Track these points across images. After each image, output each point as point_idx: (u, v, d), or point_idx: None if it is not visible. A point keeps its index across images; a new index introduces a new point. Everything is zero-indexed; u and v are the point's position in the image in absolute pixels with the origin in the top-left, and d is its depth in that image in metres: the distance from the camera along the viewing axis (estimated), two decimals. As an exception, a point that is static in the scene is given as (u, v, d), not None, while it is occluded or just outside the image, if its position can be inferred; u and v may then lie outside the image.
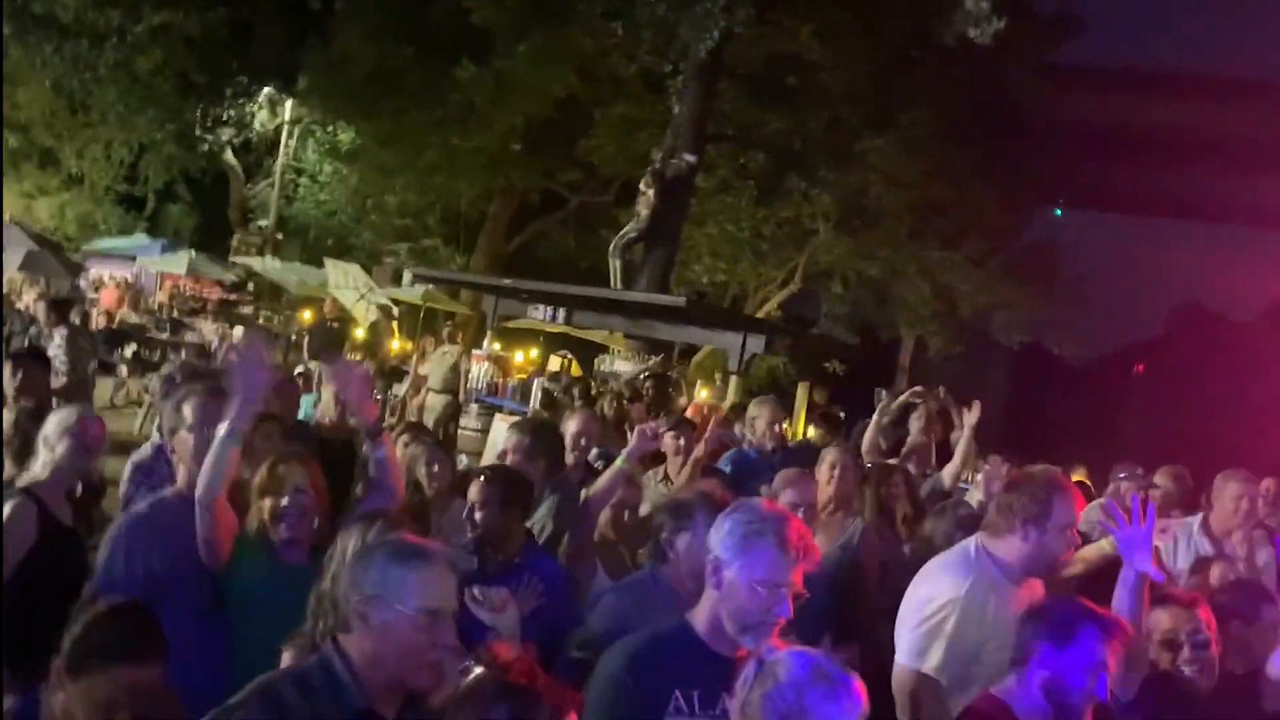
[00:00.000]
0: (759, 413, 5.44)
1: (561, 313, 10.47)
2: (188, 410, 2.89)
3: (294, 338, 13.48)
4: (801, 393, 11.27)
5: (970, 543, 3.15)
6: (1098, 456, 7.72)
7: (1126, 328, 18.88)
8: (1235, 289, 18.39)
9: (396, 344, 14.57)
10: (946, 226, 15.34)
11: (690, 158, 11.97)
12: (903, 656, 3.03)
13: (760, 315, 15.81)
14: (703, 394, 10.41)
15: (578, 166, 16.23)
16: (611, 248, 12.02)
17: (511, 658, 1.88)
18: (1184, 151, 15.95)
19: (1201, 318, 18.75)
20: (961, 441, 5.17)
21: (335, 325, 13.23)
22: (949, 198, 14.71)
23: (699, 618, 2.31)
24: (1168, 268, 18.15)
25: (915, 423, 5.65)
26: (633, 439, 3.69)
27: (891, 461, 4.96)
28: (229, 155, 18.90)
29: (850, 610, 3.73)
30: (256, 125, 17.86)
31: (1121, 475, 5.31)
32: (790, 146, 14.54)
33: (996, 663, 2.89)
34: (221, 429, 2.63)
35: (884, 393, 5.97)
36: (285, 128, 18.21)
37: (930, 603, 3.01)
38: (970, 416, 5.15)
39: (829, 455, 4.21)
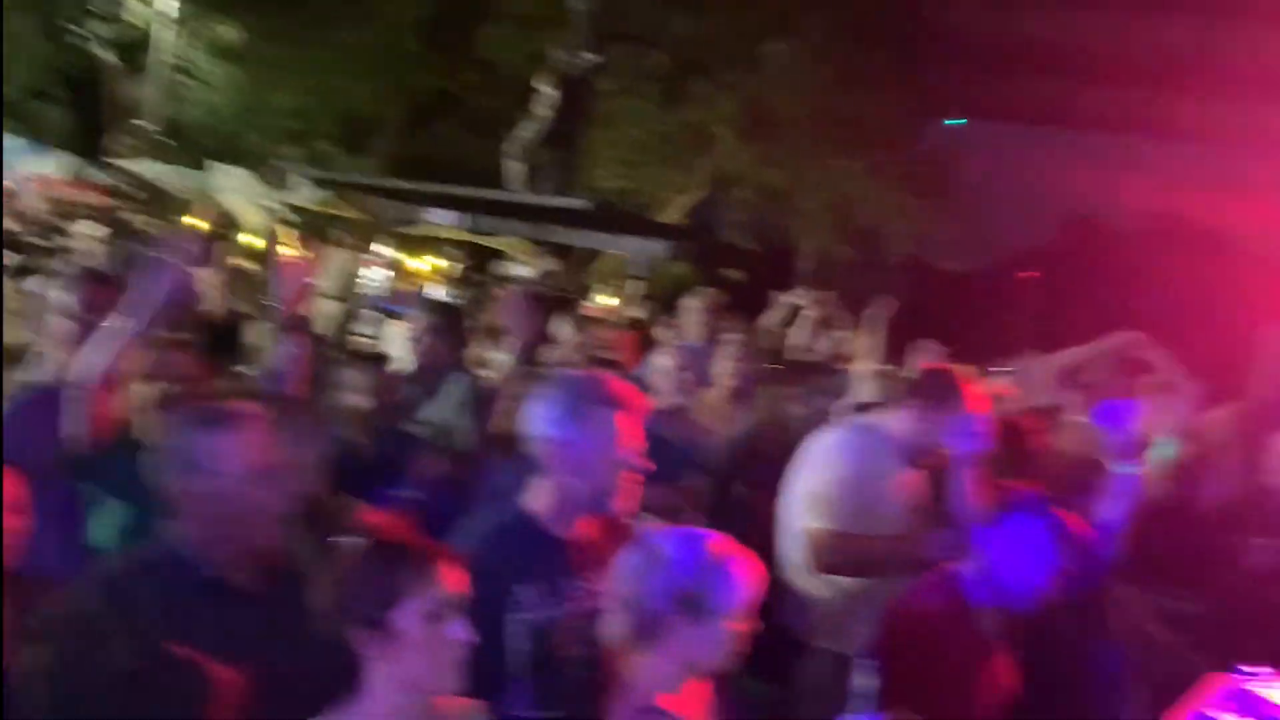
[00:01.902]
0: (691, 305, 5.50)
1: (461, 217, 10.25)
2: (66, 296, 2.77)
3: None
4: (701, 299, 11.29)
5: (867, 419, 3.29)
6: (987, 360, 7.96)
7: (1018, 236, 19.32)
8: (1122, 198, 18.93)
9: (294, 252, 14.05)
10: (846, 135, 15.41)
11: (590, 57, 11.70)
12: (796, 516, 3.13)
13: (665, 221, 15.77)
14: (604, 301, 10.39)
15: (476, 67, 15.74)
16: (511, 148, 11.75)
17: (383, 520, 1.84)
18: (1077, 62, 16.23)
19: (1089, 226, 19.31)
20: (861, 338, 5.31)
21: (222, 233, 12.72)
22: (850, 105, 14.75)
23: (539, 504, 2.24)
24: (1059, 178, 18.55)
25: (801, 326, 5.77)
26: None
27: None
28: (101, 49, 17.73)
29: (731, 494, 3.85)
30: (127, 16, 16.75)
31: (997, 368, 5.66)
32: (693, 49, 14.34)
33: (881, 530, 3.02)
34: (115, 319, 2.54)
35: (780, 299, 6.09)
36: (162, 20, 17.12)
37: (824, 465, 3.12)
38: (873, 315, 5.27)
39: (728, 344, 4.34)
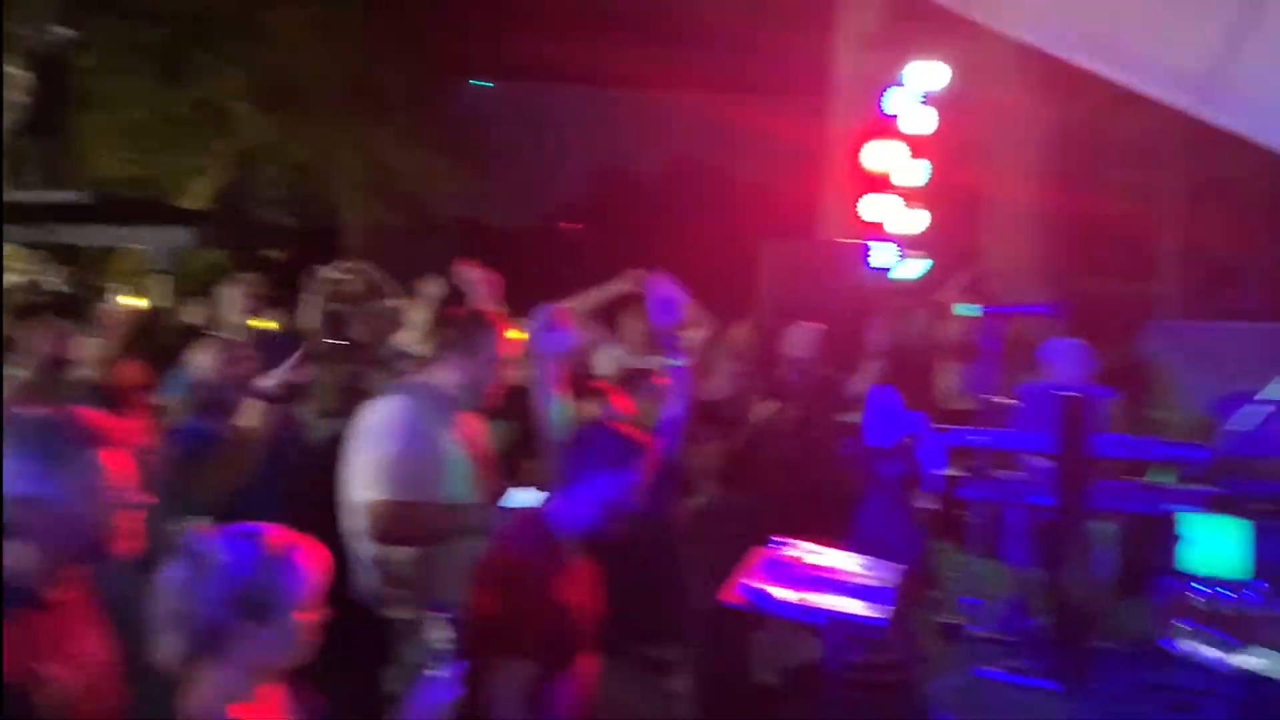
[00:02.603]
0: (229, 293, 5.17)
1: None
2: None
3: None
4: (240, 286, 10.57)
5: (413, 379, 3.30)
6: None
7: (558, 191, 20.16)
8: (647, 150, 20.28)
9: None
10: (373, 102, 15.07)
11: (63, 31, 10.30)
12: (354, 489, 3.07)
13: (188, 207, 14.53)
14: (127, 301, 9.31)
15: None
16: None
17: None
18: (592, 22, 17.11)
19: (621, 177, 20.52)
20: (416, 308, 5.25)
21: None
22: (371, 71, 14.41)
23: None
24: (589, 133, 19.52)
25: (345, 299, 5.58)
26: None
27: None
28: None
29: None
30: None
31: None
32: (191, 19, 13.19)
33: (444, 487, 3.01)
34: None
35: (323, 272, 5.82)
36: None
37: (376, 433, 3.09)
38: (430, 287, 5.23)
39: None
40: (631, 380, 3.87)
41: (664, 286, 3.45)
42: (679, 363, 3.40)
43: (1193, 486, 5.41)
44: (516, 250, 15.64)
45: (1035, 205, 10.07)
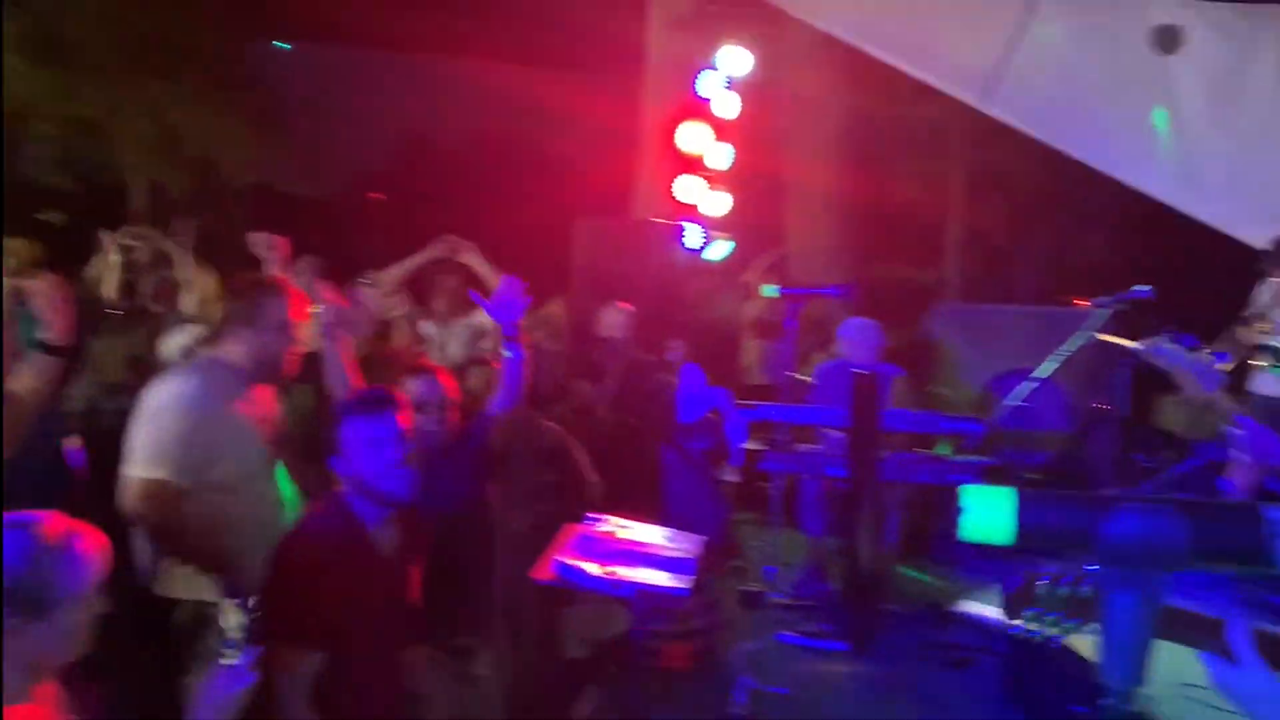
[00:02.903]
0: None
1: None
2: None
3: None
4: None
5: (200, 355, 3.16)
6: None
7: (361, 159, 19.50)
8: (451, 120, 19.91)
9: None
10: (160, 59, 14.11)
11: None
12: (134, 468, 2.90)
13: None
14: None
15: None
16: None
17: None
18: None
19: (425, 147, 20.08)
20: (206, 277, 5.02)
21: None
22: (155, 26, 13.48)
23: None
24: (392, 101, 18.96)
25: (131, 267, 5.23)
26: None
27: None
28: None
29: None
30: None
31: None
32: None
33: (232, 467, 2.90)
34: None
35: (108, 240, 5.43)
36: None
37: (160, 411, 2.92)
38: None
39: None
40: (466, 363, 3.85)
41: (511, 286, 3.41)
42: (513, 355, 3.36)
43: (971, 458, 5.83)
44: (316, 219, 15.05)
45: (832, 191, 10.52)
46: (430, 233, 5.73)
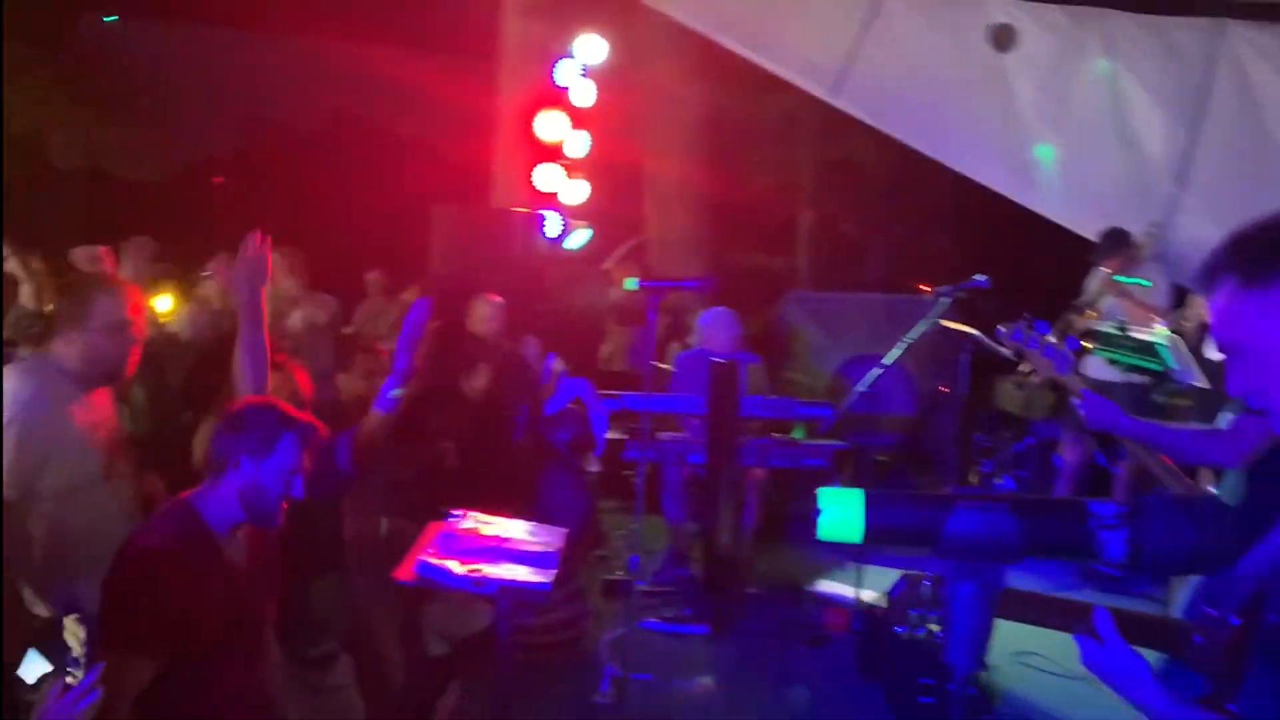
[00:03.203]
0: None
1: None
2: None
3: None
4: None
5: (31, 356, 2.99)
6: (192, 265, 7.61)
7: (206, 141, 18.61)
8: (299, 99, 19.26)
9: None
10: (-24, 30, 13.13)
11: None
12: None
13: None
14: None
15: None
16: None
17: None
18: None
19: (275, 129, 19.38)
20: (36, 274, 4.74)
21: None
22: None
23: None
24: (235, 80, 18.13)
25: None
26: None
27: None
28: None
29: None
30: None
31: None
32: None
33: (64, 475, 2.77)
34: None
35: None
36: None
37: None
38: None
39: None
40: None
41: (419, 309, 3.31)
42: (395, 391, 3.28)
43: (824, 442, 6.02)
44: (154, 203, 14.32)
45: (689, 180, 10.65)
46: (279, 217, 5.54)
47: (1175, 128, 6.58)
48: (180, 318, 5.41)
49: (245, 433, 2.57)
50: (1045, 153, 6.77)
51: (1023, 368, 6.87)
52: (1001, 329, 3.36)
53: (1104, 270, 6.75)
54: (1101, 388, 4.39)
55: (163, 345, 4.74)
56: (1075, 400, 3.14)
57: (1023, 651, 4.82)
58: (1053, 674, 4.70)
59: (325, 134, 18.94)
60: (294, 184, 15.48)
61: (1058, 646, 4.30)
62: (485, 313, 5.25)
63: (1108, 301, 6.60)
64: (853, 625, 5.18)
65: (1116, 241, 6.61)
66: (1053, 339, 3.29)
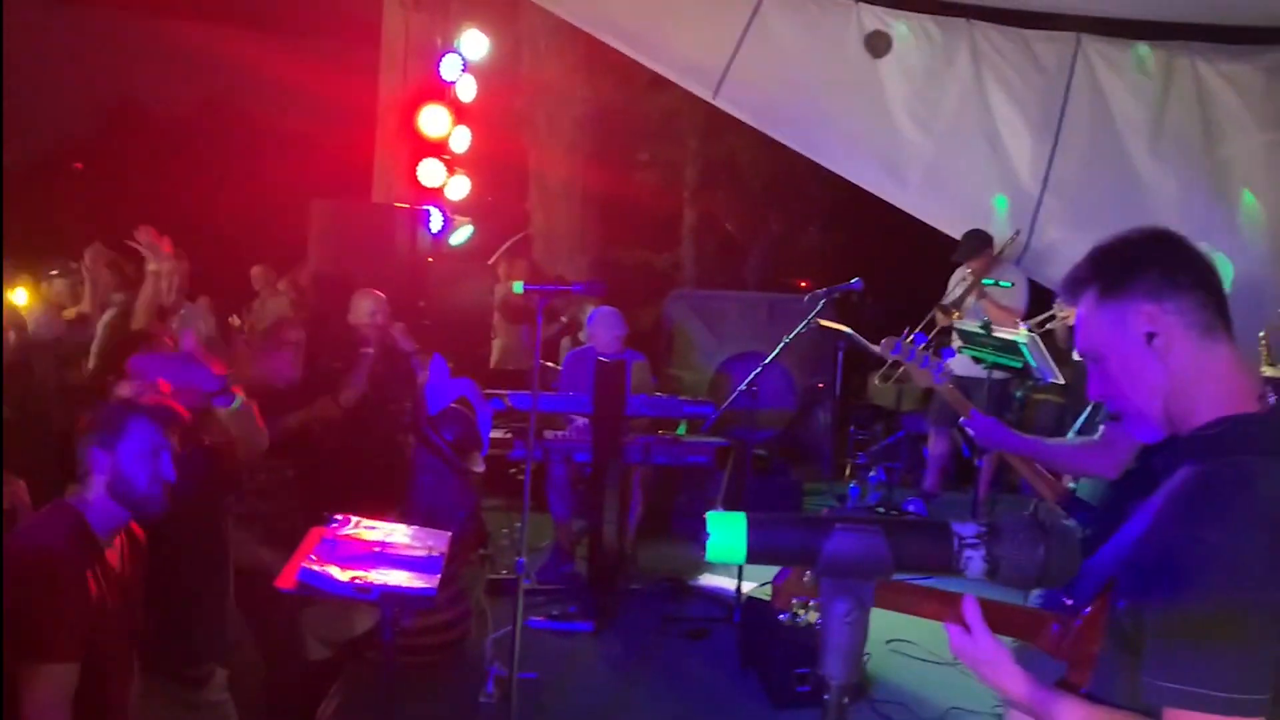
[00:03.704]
0: None
1: None
2: None
3: None
4: None
5: None
6: (40, 260, 7.23)
7: (63, 126, 17.70)
8: (170, 84, 18.51)
9: None
10: None
11: None
12: None
13: None
14: None
15: None
16: None
17: None
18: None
19: (137, 113, 18.58)
20: None
21: None
22: None
23: None
24: (98, 62, 17.31)
25: None
26: None
27: None
28: None
29: None
30: None
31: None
32: None
33: None
34: None
35: None
36: None
37: None
38: None
39: None
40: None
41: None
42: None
43: (706, 439, 6.13)
44: (6, 190, 13.56)
45: (573, 176, 10.66)
46: (142, 206, 5.34)
47: (1038, 134, 6.90)
48: (32, 316, 5.17)
49: (92, 430, 2.52)
50: (1000, 203, 7.04)
51: (889, 367, 7.12)
52: (883, 343, 3.49)
53: (967, 271, 7.04)
54: (964, 384, 4.61)
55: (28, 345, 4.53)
56: (963, 420, 3.26)
57: (895, 638, 5.02)
58: (922, 660, 4.91)
59: (194, 122, 18.23)
60: (158, 174, 14.87)
61: (927, 634, 4.51)
62: (367, 307, 5.14)
63: (971, 302, 6.89)
64: (734, 617, 5.29)
65: (979, 243, 6.91)
66: (929, 351, 3.44)
